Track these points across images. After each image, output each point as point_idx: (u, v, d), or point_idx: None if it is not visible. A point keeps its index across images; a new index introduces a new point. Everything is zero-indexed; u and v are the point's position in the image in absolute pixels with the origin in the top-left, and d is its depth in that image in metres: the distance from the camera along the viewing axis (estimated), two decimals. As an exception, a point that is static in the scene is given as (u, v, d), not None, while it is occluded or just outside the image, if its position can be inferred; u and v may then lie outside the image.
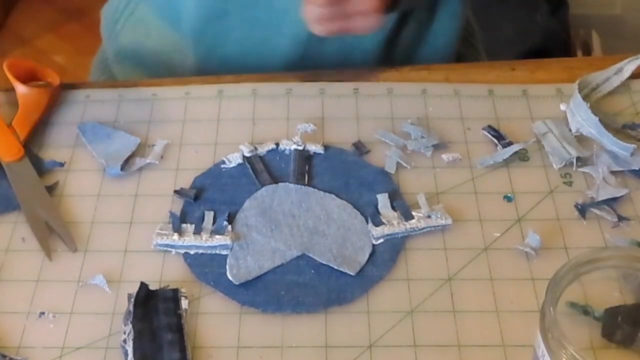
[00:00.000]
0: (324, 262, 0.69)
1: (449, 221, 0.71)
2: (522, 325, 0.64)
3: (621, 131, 0.78)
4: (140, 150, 0.79)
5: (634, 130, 0.78)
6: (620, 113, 0.80)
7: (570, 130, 0.78)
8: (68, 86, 0.87)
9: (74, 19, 2.12)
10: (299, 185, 0.75)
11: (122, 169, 0.77)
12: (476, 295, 0.67)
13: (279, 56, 0.90)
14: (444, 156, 0.77)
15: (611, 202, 0.72)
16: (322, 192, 0.74)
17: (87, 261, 0.70)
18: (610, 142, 0.76)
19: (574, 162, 0.75)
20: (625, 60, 0.83)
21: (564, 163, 0.75)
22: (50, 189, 0.75)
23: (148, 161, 0.78)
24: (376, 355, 0.63)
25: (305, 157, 0.77)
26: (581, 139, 0.77)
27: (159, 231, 0.71)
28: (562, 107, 0.81)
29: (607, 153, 0.76)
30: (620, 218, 0.71)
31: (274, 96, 0.84)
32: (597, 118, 0.76)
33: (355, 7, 0.74)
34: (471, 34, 1.05)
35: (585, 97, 0.79)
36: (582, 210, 0.72)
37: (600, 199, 0.72)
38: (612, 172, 0.74)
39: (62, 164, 0.78)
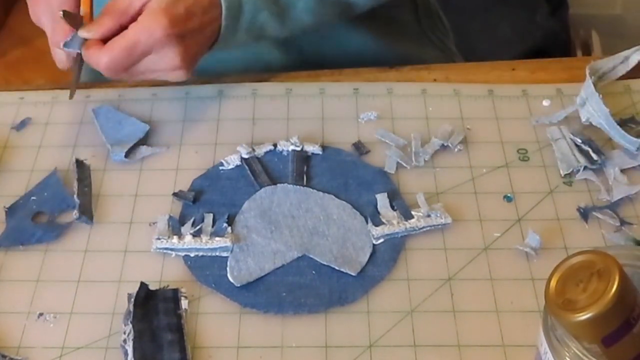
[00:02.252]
0: (325, 263, 0.69)
1: (449, 220, 0.71)
2: (522, 325, 0.64)
3: (623, 126, 0.78)
4: (145, 139, 0.80)
5: (636, 125, 0.78)
6: (620, 113, 0.80)
7: (581, 120, 0.78)
8: (68, 86, 0.86)
9: (74, 19, 2.12)
10: (298, 186, 0.75)
11: (126, 155, 0.77)
12: (476, 295, 0.67)
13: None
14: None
15: (613, 204, 0.72)
16: (321, 193, 0.74)
17: (87, 261, 0.70)
18: (618, 135, 0.76)
19: (581, 170, 0.75)
20: (632, 49, 0.82)
21: (571, 170, 0.75)
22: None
23: (152, 150, 0.78)
24: (376, 355, 0.63)
25: (303, 158, 0.77)
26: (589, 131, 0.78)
27: (159, 237, 0.70)
28: (545, 102, 0.81)
29: (616, 151, 0.76)
30: (623, 222, 0.71)
31: (273, 96, 0.84)
32: (608, 110, 0.76)
33: (152, 66, 0.75)
34: (444, 35, 1.05)
35: (593, 85, 0.78)
36: (585, 214, 0.72)
37: (615, 199, 0.72)
38: (622, 171, 0.75)
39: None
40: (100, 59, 0.73)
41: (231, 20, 0.77)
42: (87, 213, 0.73)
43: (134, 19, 0.74)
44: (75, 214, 0.72)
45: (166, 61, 0.74)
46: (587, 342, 0.48)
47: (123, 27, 0.74)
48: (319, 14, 0.82)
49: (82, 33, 0.74)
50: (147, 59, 0.74)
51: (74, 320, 0.66)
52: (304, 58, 0.90)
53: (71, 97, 0.76)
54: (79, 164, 0.77)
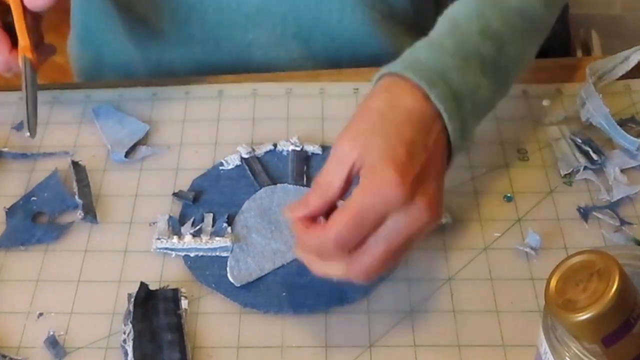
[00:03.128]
0: (324, 262, 0.69)
1: (449, 219, 0.71)
2: (522, 325, 0.64)
3: (623, 126, 0.78)
4: (145, 139, 0.80)
5: (636, 125, 0.78)
6: (620, 113, 0.80)
7: (581, 120, 0.78)
8: (68, 86, 0.87)
9: (75, 18, 2.12)
10: (298, 186, 0.75)
11: (126, 155, 0.77)
12: (476, 295, 0.67)
13: (223, 70, 0.90)
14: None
15: (613, 204, 0.72)
16: (322, 192, 0.74)
17: (87, 261, 0.70)
18: (618, 135, 0.76)
19: (581, 169, 0.75)
20: (632, 49, 0.82)
21: (571, 170, 0.75)
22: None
23: (152, 150, 0.78)
24: (376, 355, 0.63)
25: (303, 158, 0.77)
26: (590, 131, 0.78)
27: (159, 237, 0.70)
28: (545, 102, 0.82)
29: (616, 151, 0.76)
30: (623, 222, 0.71)
31: (273, 96, 0.84)
32: (608, 110, 0.76)
33: (397, 229, 0.58)
34: None
35: (593, 85, 0.78)
36: (585, 213, 0.72)
37: (615, 199, 0.72)
38: (622, 171, 0.75)
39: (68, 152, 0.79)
40: (328, 235, 0.57)
41: (456, 122, 0.62)
42: (91, 212, 0.73)
43: (343, 191, 0.60)
44: (79, 214, 0.72)
45: (413, 219, 0.58)
46: (587, 342, 0.48)
47: (332, 204, 0.60)
48: (525, 59, 0.71)
49: (287, 214, 0.61)
50: (385, 226, 0.58)
51: (74, 320, 0.66)
52: (327, 62, 0.90)
53: (33, 134, 0.73)
54: (75, 165, 0.77)
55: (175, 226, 0.72)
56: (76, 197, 0.74)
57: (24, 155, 0.79)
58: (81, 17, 0.97)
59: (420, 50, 0.65)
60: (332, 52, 0.92)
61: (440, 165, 0.61)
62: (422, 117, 0.60)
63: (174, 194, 0.75)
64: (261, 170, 0.76)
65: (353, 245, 0.58)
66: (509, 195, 0.74)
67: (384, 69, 0.64)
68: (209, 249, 0.70)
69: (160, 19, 0.90)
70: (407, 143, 0.58)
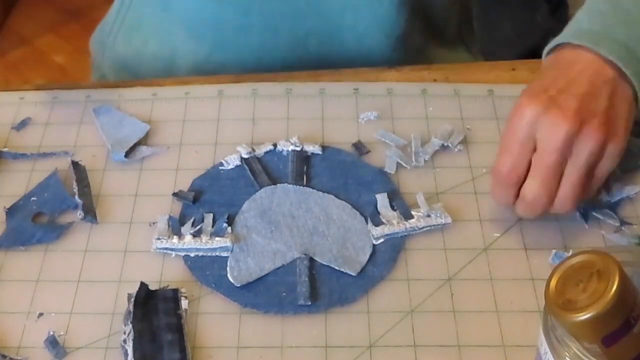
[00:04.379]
0: (325, 263, 0.69)
1: (449, 220, 0.71)
2: (522, 325, 0.64)
3: None
4: (145, 139, 0.80)
5: (636, 125, 0.78)
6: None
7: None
8: (68, 86, 0.87)
9: (74, 19, 2.12)
10: (298, 186, 0.75)
11: (126, 155, 0.77)
12: (476, 295, 0.67)
13: (278, 60, 0.90)
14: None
15: (613, 204, 0.72)
16: (321, 193, 0.74)
17: (87, 261, 0.70)
18: None
19: None
20: None
21: None
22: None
23: (152, 150, 0.78)
24: (376, 355, 0.63)
25: (303, 158, 0.77)
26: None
27: (159, 237, 0.70)
28: None
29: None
30: (623, 222, 0.71)
31: (274, 96, 0.84)
32: None
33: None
34: (470, 38, 1.04)
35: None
36: (585, 213, 0.72)
37: (615, 199, 0.72)
38: (622, 171, 0.75)
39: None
40: (568, 203, 0.67)
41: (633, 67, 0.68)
42: (91, 212, 0.73)
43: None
44: (79, 214, 0.72)
45: (585, 141, 0.65)
46: (587, 342, 0.48)
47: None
48: None
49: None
50: (570, 158, 0.66)
51: (74, 320, 0.66)
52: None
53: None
54: (75, 165, 0.77)
55: (175, 226, 0.72)
56: (76, 197, 0.74)
57: (24, 155, 0.79)
58: (136, 6, 0.96)
59: (580, 19, 0.72)
60: (386, 51, 0.91)
61: (614, 97, 0.67)
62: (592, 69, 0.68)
63: (174, 194, 0.75)
64: (261, 170, 0.76)
65: (514, 169, 0.67)
66: (509, 195, 0.74)
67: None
68: (209, 249, 0.70)
69: (222, 7, 0.90)
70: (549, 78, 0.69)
